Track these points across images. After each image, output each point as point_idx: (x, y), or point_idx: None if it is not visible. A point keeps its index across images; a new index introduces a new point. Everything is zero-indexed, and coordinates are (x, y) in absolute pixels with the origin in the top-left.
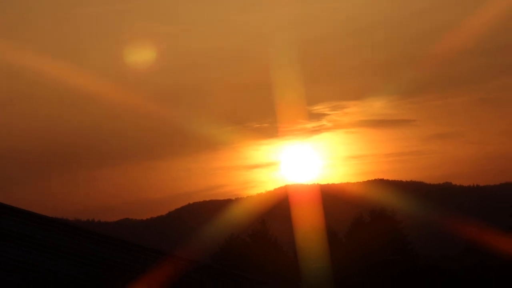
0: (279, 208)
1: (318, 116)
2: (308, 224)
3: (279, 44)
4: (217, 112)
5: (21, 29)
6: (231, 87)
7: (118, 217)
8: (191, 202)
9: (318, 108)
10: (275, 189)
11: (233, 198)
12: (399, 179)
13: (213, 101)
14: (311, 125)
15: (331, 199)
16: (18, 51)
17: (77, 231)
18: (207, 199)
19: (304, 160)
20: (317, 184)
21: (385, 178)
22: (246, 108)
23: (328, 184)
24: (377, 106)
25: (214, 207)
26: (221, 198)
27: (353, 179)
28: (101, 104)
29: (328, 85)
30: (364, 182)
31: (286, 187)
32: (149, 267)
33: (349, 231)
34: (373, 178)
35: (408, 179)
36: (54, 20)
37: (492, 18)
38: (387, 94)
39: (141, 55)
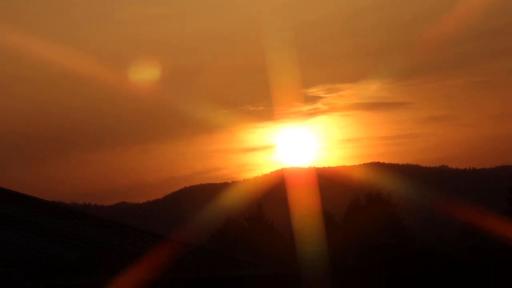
0: (275, 191)
1: (313, 99)
2: (304, 207)
3: (274, 26)
4: (212, 95)
5: (17, 12)
6: (226, 70)
7: (114, 201)
8: (187, 185)
9: (313, 91)
10: (271, 172)
11: (230, 181)
12: (395, 162)
13: (208, 84)
14: (306, 108)
15: (327, 182)
16: (13, 33)
17: (73, 215)
18: (204, 182)
19: (300, 143)
20: (313, 167)
21: (381, 161)
22: (241, 91)
23: (324, 167)
24: (372, 88)
25: (211, 190)
26: (218, 182)
27: (349, 162)
28: (96, 87)
29: (323, 67)
30: (360, 165)
31: (282, 170)
32: (146, 250)
33: (345, 214)
34: (369, 161)
35: (404, 162)
36: (48, 1)
37: (485, 1)
38: (382, 77)
39: (135, 38)
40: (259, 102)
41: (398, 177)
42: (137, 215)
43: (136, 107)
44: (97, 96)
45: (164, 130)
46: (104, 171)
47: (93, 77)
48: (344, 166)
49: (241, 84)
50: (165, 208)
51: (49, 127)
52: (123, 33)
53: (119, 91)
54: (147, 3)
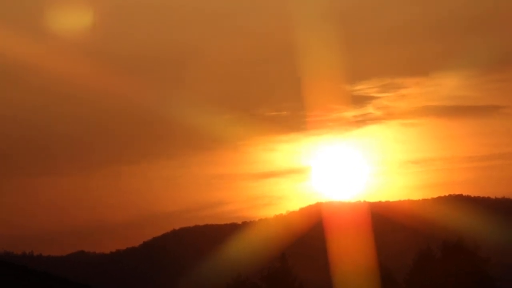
0: (307, 237)
1: (362, 100)
2: (350, 260)
3: None
4: (213, 93)
5: None
6: (234, 56)
7: (69, 250)
8: (176, 227)
9: (362, 88)
10: (301, 209)
11: (239, 221)
12: (485, 195)
13: (208, 76)
14: (352, 113)
15: (385, 224)
16: None
17: (5, 270)
18: (200, 223)
19: (344, 166)
20: (364, 201)
21: (464, 193)
22: (255, 86)
23: (379, 202)
24: (449, 85)
25: (211, 235)
26: (221, 222)
27: (415, 195)
28: (39, 77)
29: (376, 53)
30: (432, 199)
31: (317, 205)
32: None
33: (411, 271)
34: (446, 194)
35: (499, 196)
36: None
37: None
38: (464, 68)
39: (99, 8)
40: (281, 104)
41: (490, 218)
42: (101, 269)
43: (98, 109)
44: (39, 88)
45: (141, 145)
46: (51, 207)
47: (35, 64)
48: (408, 201)
49: (256, 76)
50: (143, 260)
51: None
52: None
53: (71, 85)
54: None
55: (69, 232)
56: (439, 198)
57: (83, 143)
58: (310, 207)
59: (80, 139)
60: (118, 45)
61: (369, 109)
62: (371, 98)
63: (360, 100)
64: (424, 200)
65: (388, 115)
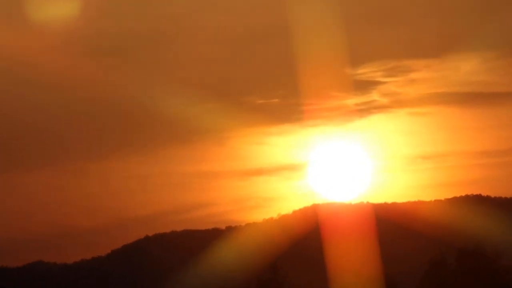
0: (303, 243)
1: (365, 86)
2: (351, 271)
3: None
4: (194, 78)
5: None
6: (219, 35)
7: (26, 260)
8: (150, 233)
9: (365, 71)
10: (295, 212)
11: (222, 226)
12: (507, 196)
13: (188, 58)
14: (353, 101)
15: (391, 229)
16: None
17: None
18: (178, 228)
19: (345, 162)
20: (367, 203)
21: (484, 193)
22: (244, 71)
23: (385, 204)
24: (464, 68)
25: (190, 242)
26: (202, 227)
27: (426, 195)
28: None
29: (382, 32)
30: (446, 200)
31: (314, 207)
32: None
33: (421, 281)
34: (463, 194)
35: None
36: None
37: None
38: (482, 49)
39: None
40: (273, 91)
41: None
42: (63, 281)
43: (64, 98)
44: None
45: (112, 138)
46: (3, 208)
47: None
48: (418, 202)
49: (244, 58)
50: (112, 271)
51: None
52: None
53: (36, 70)
54: None
55: (25, 240)
56: (454, 199)
57: (40, 137)
58: (305, 210)
59: (35, 131)
60: (84, 24)
61: (374, 96)
62: (376, 83)
63: (363, 86)
64: (437, 202)
65: (395, 103)
